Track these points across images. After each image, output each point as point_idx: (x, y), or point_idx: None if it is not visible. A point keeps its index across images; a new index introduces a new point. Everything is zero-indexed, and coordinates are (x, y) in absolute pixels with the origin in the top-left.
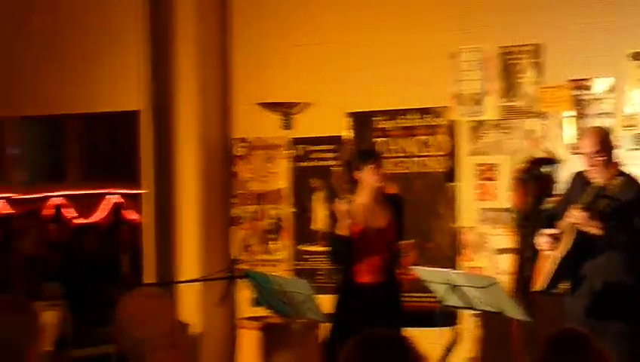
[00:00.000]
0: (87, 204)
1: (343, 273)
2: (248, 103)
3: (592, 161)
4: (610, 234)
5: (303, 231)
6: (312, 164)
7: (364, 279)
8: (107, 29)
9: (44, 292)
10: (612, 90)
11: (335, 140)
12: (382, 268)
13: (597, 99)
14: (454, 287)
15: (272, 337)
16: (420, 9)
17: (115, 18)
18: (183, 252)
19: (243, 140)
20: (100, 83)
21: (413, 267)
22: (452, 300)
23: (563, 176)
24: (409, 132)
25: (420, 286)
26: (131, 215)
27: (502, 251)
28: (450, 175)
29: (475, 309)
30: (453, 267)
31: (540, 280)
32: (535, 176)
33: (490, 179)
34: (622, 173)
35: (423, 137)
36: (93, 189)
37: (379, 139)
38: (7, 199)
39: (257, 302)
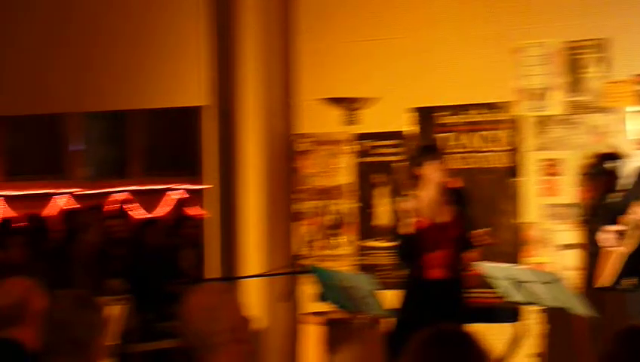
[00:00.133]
0: (149, 200)
1: (409, 269)
2: (311, 99)
3: None
4: None
5: (366, 227)
6: (374, 159)
7: (430, 274)
8: (171, 25)
9: (108, 287)
10: None
11: (398, 136)
12: (447, 264)
13: None
14: (518, 283)
15: (335, 332)
16: (484, 4)
17: (179, 14)
18: (246, 247)
19: (304, 136)
20: (163, 78)
21: (477, 263)
22: (516, 296)
23: (627, 171)
24: (472, 127)
25: (483, 281)
26: (193, 210)
27: (566, 247)
28: (513, 170)
29: (538, 305)
30: (517, 263)
31: (604, 276)
32: (600, 171)
33: (554, 174)
34: None
35: (487, 133)
36: (156, 185)
37: (442, 135)
38: (72, 194)
39: (322, 298)
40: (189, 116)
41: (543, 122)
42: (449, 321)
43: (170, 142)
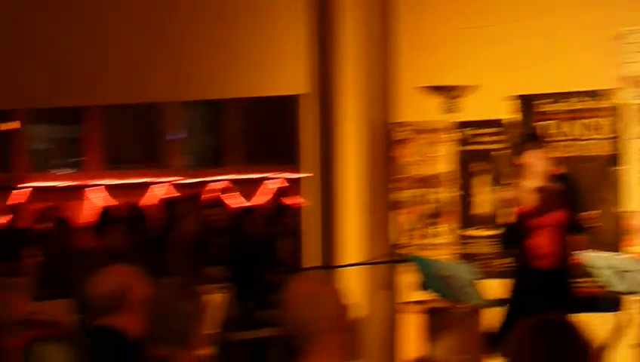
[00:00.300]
0: (247, 188)
1: (514, 257)
2: (411, 87)
3: None
4: None
5: (466, 215)
6: (474, 147)
7: (537, 263)
8: (269, 12)
9: (209, 275)
10: None
11: (498, 124)
12: (553, 252)
13: None
14: (620, 272)
15: (436, 321)
16: None
17: (277, 1)
18: (345, 236)
19: (402, 124)
20: (260, 67)
21: (579, 252)
22: (618, 285)
23: None
24: (574, 115)
25: (583, 271)
26: (291, 199)
27: None
28: (615, 159)
29: None
30: (618, 252)
31: None
32: None
33: None
34: None
35: (588, 120)
36: (253, 173)
37: (542, 123)
38: (171, 183)
39: (423, 286)
40: (287, 104)
41: None
42: (555, 310)
43: (268, 130)
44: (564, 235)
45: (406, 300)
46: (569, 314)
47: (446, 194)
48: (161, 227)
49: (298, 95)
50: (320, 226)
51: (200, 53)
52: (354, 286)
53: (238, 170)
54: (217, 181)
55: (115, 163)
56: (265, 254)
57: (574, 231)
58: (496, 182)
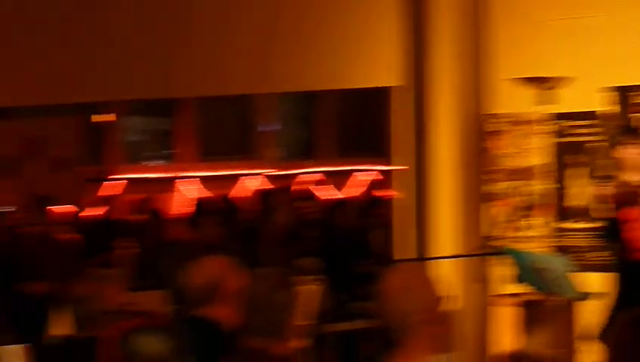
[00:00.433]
0: (338, 181)
1: (615, 251)
2: (505, 78)
3: None
4: None
5: (561, 208)
6: (570, 139)
7: (636, 256)
8: (363, 4)
9: (303, 266)
10: None
11: (593, 116)
12: None
13: None
14: None
15: (531, 314)
16: None
17: None
18: (438, 228)
19: (495, 116)
20: (353, 59)
21: None
22: None
23: None
24: None
25: None
26: (383, 191)
27: None
28: None
29: None
30: None
31: None
32: None
33: None
34: None
35: None
36: (345, 166)
37: (637, 115)
38: (264, 175)
39: (519, 279)
40: (379, 97)
41: None
42: None
43: (360, 122)
44: None
45: (499, 293)
46: None
47: (540, 186)
48: (254, 219)
49: (391, 87)
50: (413, 218)
51: (293, 45)
52: (447, 278)
53: (330, 162)
54: (309, 173)
55: (207, 155)
56: (357, 246)
57: None
58: (592, 174)
